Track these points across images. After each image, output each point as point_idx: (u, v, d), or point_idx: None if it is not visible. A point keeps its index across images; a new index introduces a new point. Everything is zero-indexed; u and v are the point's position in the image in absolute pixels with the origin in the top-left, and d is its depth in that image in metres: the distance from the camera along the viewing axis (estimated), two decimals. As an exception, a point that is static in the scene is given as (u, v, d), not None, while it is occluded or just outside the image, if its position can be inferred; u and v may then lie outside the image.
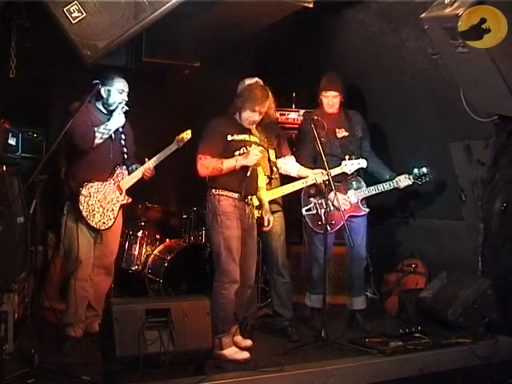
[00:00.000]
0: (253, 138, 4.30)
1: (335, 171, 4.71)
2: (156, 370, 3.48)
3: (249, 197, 4.26)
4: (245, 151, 4.19)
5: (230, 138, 4.19)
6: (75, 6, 3.73)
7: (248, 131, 4.29)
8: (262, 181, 4.55)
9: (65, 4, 3.72)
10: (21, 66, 4.39)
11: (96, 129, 4.19)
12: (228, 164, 4.14)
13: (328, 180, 4.51)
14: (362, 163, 4.78)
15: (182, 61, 5.75)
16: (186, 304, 3.70)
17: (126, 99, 4.37)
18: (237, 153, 4.18)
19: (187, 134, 4.43)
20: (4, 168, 4.15)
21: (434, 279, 5.33)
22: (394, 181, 4.86)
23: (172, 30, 4.78)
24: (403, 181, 4.85)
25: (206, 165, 4.14)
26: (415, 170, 4.88)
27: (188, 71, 5.98)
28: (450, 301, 4.79)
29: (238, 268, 4.14)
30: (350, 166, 4.75)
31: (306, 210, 4.88)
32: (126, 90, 4.37)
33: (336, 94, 4.93)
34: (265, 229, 4.48)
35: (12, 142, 4.29)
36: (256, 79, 4.57)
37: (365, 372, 4.05)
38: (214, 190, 4.19)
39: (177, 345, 3.54)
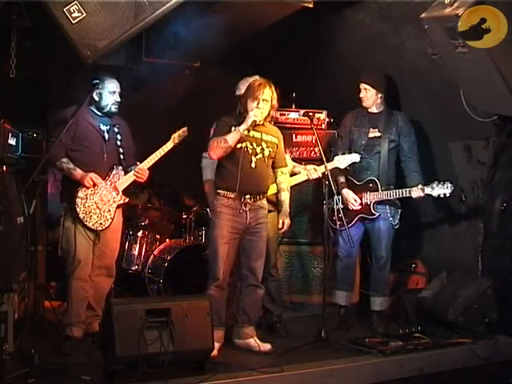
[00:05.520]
0: (257, 135, 4.20)
1: (328, 166, 4.63)
2: (156, 370, 3.47)
3: (247, 196, 4.18)
4: (248, 146, 4.14)
5: (233, 129, 4.12)
6: (75, 5, 3.74)
7: (252, 128, 4.17)
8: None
9: (65, 4, 3.73)
10: (21, 66, 4.38)
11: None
12: (233, 136, 4.06)
13: (325, 176, 4.50)
14: (354, 158, 4.77)
15: (182, 61, 5.75)
16: (186, 304, 3.69)
17: (119, 100, 4.36)
18: (238, 145, 4.12)
19: (183, 132, 4.42)
20: (4, 168, 4.15)
21: (433, 279, 5.32)
22: (406, 189, 4.74)
23: (172, 30, 4.78)
24: (415, 191, 4.70)
25: (211, 145, 4.12)
26: (434, 183, 4.67)
27: (188, 71, 5.98)
28: (450, 301, 4.79)
29: (223, 267, 4.15)
30: (342, 160, 4.75)
31: (326, 204, 4.89)
32: (118, 90, 4.36)
33: (368, 87, 4.86)
34: (279, 231, 4.51)
35: (12, 141, 4.28)
36: (256, 77, 4.49)
37: (365, 372, 4.04)
38: (215, 189, 4.23)
39: (177, 345, 3.53)
